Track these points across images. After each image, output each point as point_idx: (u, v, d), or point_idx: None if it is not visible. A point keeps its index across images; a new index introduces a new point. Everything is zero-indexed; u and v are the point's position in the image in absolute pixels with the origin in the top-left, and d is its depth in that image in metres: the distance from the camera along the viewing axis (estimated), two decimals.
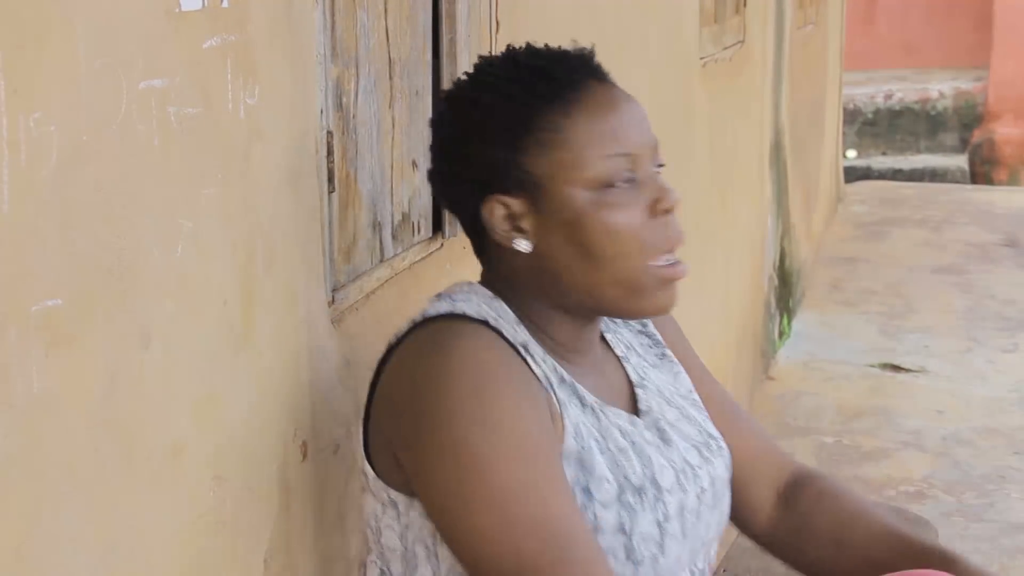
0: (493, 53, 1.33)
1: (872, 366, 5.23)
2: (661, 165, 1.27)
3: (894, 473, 4.14)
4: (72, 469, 1.00)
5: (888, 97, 10.54)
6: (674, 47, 3.39)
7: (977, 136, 10.19)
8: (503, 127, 1.23)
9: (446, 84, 1.88)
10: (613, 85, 1.28)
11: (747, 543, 2.35)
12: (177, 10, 1.12)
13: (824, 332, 5.67)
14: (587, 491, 1.21)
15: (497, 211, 1.25)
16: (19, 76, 0.91)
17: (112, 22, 1.02)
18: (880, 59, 11.05)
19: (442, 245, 1.89)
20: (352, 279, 1.59)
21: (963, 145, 10.32)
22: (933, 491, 4.00)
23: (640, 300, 1.25)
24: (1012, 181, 9.81)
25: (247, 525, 1.29)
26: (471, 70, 1.31)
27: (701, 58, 3.67)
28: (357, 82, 1.58)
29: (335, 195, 1.52)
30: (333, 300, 1.52)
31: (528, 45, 1.29)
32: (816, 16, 6.70)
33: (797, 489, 1.44)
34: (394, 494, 1.26)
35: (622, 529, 1.20)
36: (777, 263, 5.45)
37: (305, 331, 1.42)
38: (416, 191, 1.80)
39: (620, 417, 1.29)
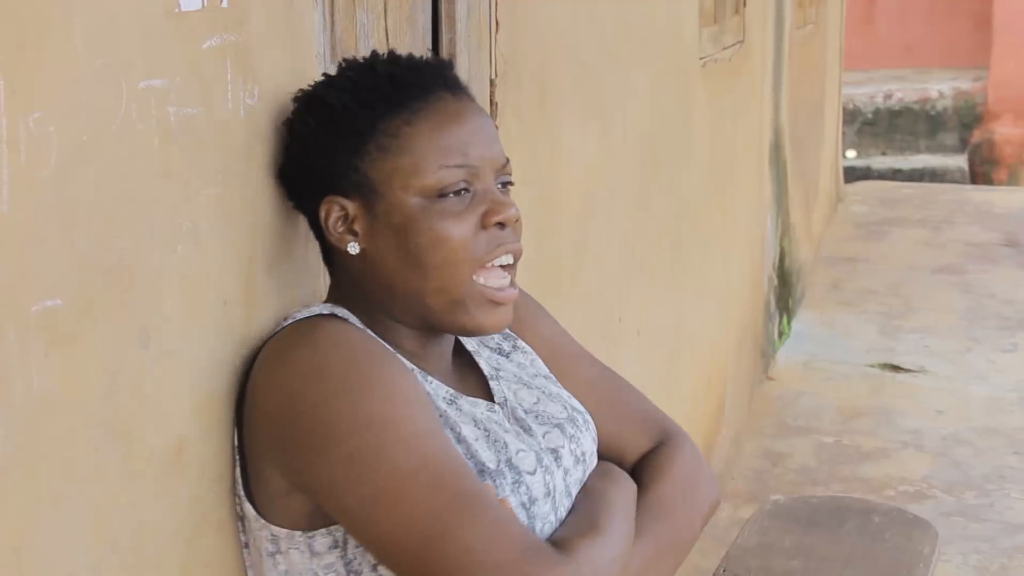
0: (357, 56, 1.32)
1: (872, 366, 5.23)
2: (508, 183, 1.28)
3: (894, 473, 4.14)
4: (72, 469, 1.00)
5: (888, 97, 10.54)
6: (674, 47, 3.39)
7: (977, 136, 10.19)
8: (347, 130, 1.23)
9: None
10: (465, 98, 1.28)
11: (747, 543, 2.35)
12: (177, 10, 1.12)
13: (824, 332, 5.67)
14: None
15: (333, 212, 1.25)
16: (19, 76, 0.91)
17: (112, 22, 1.02)
18: (880, 59, 11.05)
19: None
20: None
21: (963, 145, 10.32)
22: (933, 491, 4.00)
23: (462, 315, 1.25)
24: (1012, 181, 9.81)
25: None
26: (327, 74, 1.32)
27: (701, 58, 3.67)
28: None
29: None
30: None
31: (391, 52, 1.30)
32: (816, 16, 6.70)
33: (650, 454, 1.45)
34: (295, 536, 1.19)
35: None
36: (777, 263, 5.45)
37: None
38: None
39: (477, 406, 1.28)
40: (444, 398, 1.26)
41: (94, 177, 1.01)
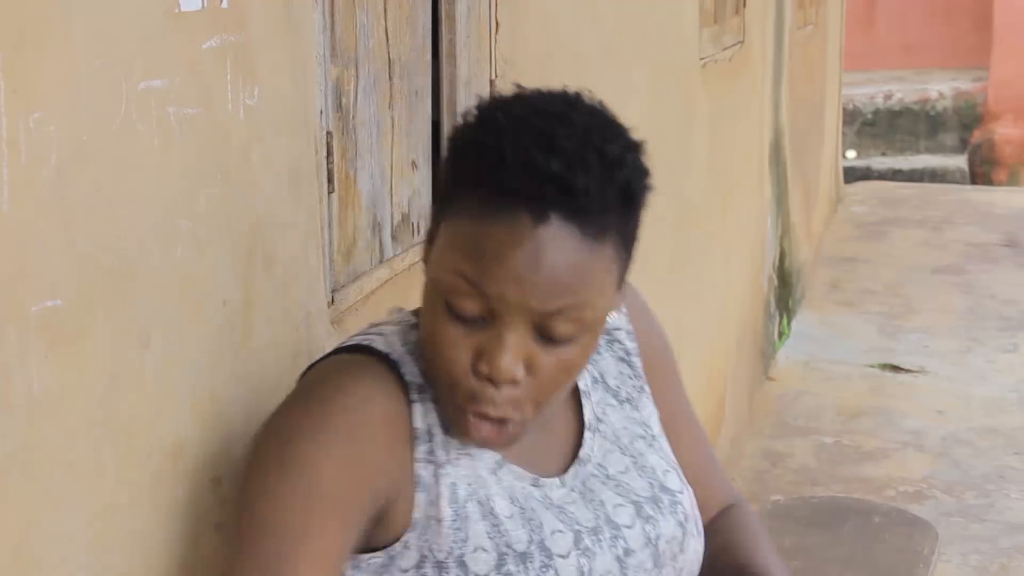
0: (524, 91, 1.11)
1: (872, 366, 5.23)
2: (552, 339, 1.06)
3: (894, 473, 4.14)
4: (71, 469, 1.00)
5: (888, 97, 10.54)
6: (674, 47, 3.39)
7: (977, 136, 10.19)
8: (450, 170, 1.10)
9: (445, 85, 1.88)
10: (550, 228, 1.02)
11: None
12: (177, 10, 1.12)
13: (824, 332, 5.67)
14: (462, 563, 1.09)
15: (431, 220, 1.14)
16: (19, 76, 0.91)
17: (112, 22, 1.02)
18: (880, 60, 11.05)
19: None
20: (352, 280, 1.59)
21: (963, 145, 10.32)
22: (933, 491, 4.01)
23: (454, 416, 1.11)
24: (1012, 181, 9.81)
25: None
26: (505, 96, 1.12)
27: (701, 58, 3.67)
28: (357, 82, 1.58)
29: (335, 195, 1.52)
30: (333, 301, 1.52)
31: (543, 116, 1.06)
32: (816, 17, 6.70)
33: (717, 521, 1.37)
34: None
35: None
36: (777, 263, 5.45)
37: (304, 332, 1.42)
38: (416, 191, 1.80)
39: (520, 478, 1.16)
40: (488, 465, 1.15)
41: (94, 177, 1.01)
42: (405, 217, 1.77)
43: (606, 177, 1.04)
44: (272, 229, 1.31)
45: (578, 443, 1.22)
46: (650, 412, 1.29)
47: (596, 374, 1.26)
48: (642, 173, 1.09)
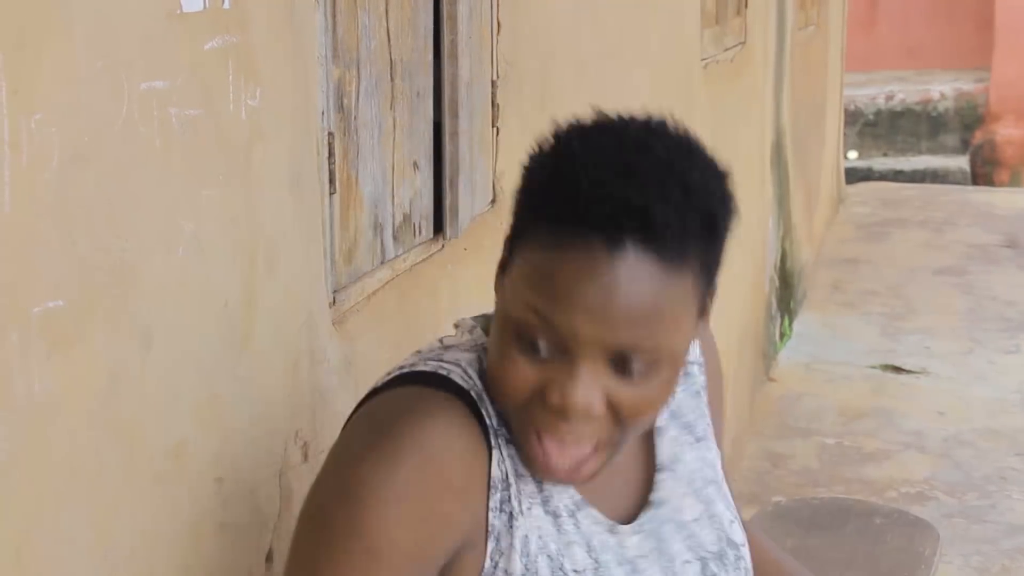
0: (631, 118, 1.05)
1: (873, 367, 5.23)
2: (629, 373, 1.01)
3: (895, 474, 4.14)
4: (74, 470, 1.00)
5: (889, 98, 10.54)
6: (675, 48, 3.39)
7: (978, 137, 10.19)
8: (525, 201, 1.04)
9: (447, 85, 1.88)
10: (627, 258, 0.97)
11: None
12: (178, 11, 1.12)
13: (825, 333, 5.67)
14: None
15: (504, 247, 1.07)
16: (20, 77, 0.91)
17: (113, 23, 1.02)
18: (881, 60, 11.05)
19: (443, 246, 1.88)
20: (353, 280, 1.59)
21: (964, 146, 10.32)
22: (934, 492, 4.00)
23: (527, 450, 1.05)
24: (1013, 182, 9.81)
25: (248, 527, 1.29)
26: (583, 123, 1.06)
27: (702, 59, 3.67)
28: (358, 83, 1.58)
29: (336, 196, 1.52)
30: (334, 301, 1.52)
31: (621, 144, 1.01)
32: (817, 17, 6.69)
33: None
34: None
35: None
36: (778, 264, 5.45)
37: (306, 332, 1.42)
38: (417, 192, 1.80)
39: (597, 524, 1.10)
40: (566, 507, 1.09)
41: (95, 178, 1.01)
42: (407, 218, 1.77)
43: (688, 206, 0.99)
44: (274, 230, 1.31)
45: (649, 484, 1.16)
46: (716, 453, 1.23)
47: (673, 408, 1.19)
48: (727, 201, 1.04)
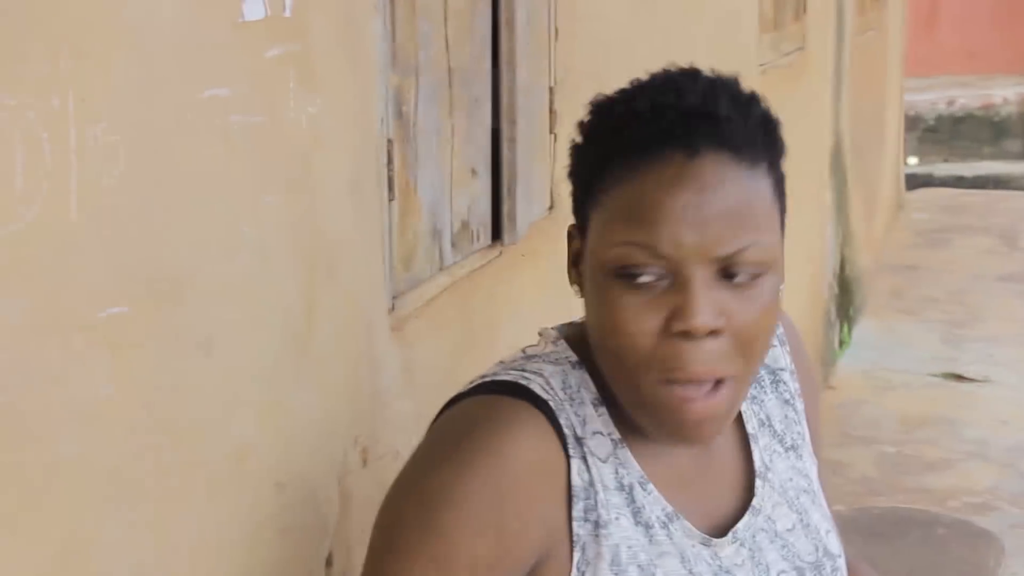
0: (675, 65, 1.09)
1: (934, 375, 5.16)
2: (736, 281, 1.00)
3: (958, 484, 4.08)
4: (135, 474, 1.01)
5: (950, 103, 10.41)
6: (733, 54, 3.37)
7: None
8: (589, 162, 1.06)
9: (505, 92, 1.88)
10: (705, 161, 1.00)
11: None
12: (240, 20, 1.13)
13: (885, 341, 5.61)
14: None
15: (571, 243, 1.08)
16: (86, 86, 0.92)
17: (176, 32, 1.03)
18: (942, 65, 10.91)
19: (501, 253, 1.89)
20: (412, 287, 1.60)
21: None
22: (998, 503, 3.94)
23: (650, 419, 1.03)
24: None
25: (308, 531, 1.29)
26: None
27: (760, 65, 3.64)
28: (417, 90, 1.59)
29: (395, 203, 1.53)
30: (393, 307, 1.52)
31: (677, 73, 1.07)
32: (877, 21, 6.63)
33: None
34: None
35: None
36: (837, 271, 5.40)
37: (366, 338, 1.42)
38: (475, 199, 1.81)
39: (690, 536, 1.08)
40: (658, 518, 1.07)
41: (159, 185, 1.02)
42: (464, 224, 1.77)
43: (744, 109, 1.03)
44: (334, 236, 1.32)
45: (748, 491, 1.14)
46: (810, 462, 1.20)
47: (763, 416, 1.18)
48: (773, 115, 1.07)
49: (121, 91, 0.96)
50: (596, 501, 1.05)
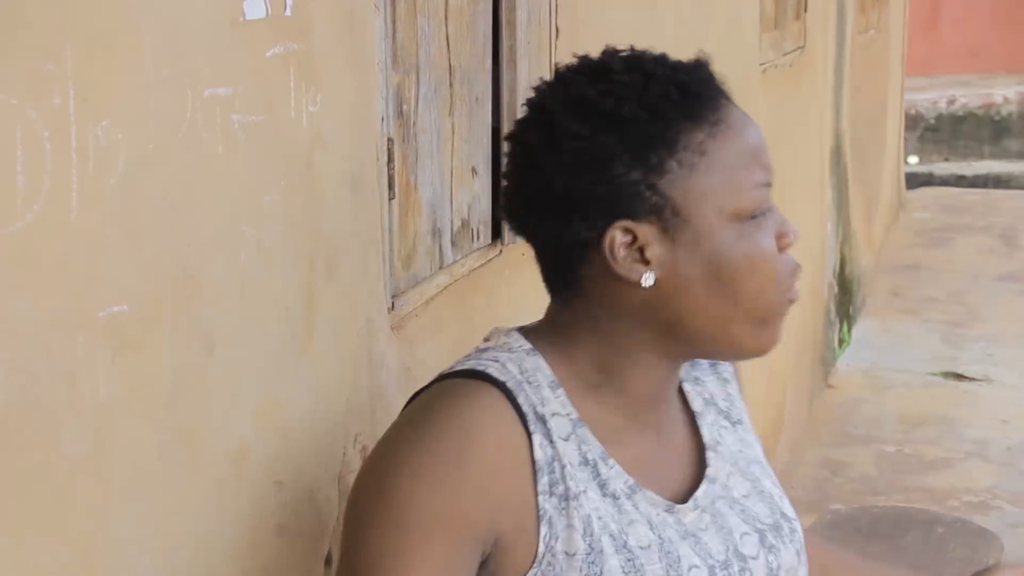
0: (579, 56, 1.13)
1: (934, 374, 5.17)
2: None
3: (958, 483, 4.08)
4: (138, 472, 1.01)
5: (951, 102, 10.41)
6: (734, 53, 3.37)
7: None
8: (641, 145, 1.07)
9: (506, 91, 1.88)
10: (738, 107, 1.14)
11: None
12: (241, 19, 1.13)
13: (885, 340, 5.61)
14: None
15: (618, 238, 1.07)
16: (88, 85, 0.92)
17: (178, 31, 1.04)
18: (943, 64, 10.92)
19: (501, 251, 1.89)
20: (412, 285, 1.60)
21: None
22: (998, 502, 3.94)
23: (760, 336, 1.12)
24: None
25: (307, 529, 1.30)
26: (579, 71, 1.11)
27: (761, 64, 3.64)
28: (418, 89, 1.59)
29: (395, 202, 1.53)
30: (393, 306, 1.52)
31: (633, 49, 1.13)
32: (878, 21, 6.63)
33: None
34: None
35: None
36: (837, 270, 5.40)
37: (365, 337, 1.42)
38: (475, 198, 1.81)
39: (655, 505, 1.12)
40: (622, 490, 1.11)
41: (160, 184, 1.02)
42: (465, 223, 1.77)
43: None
44: (334, 235, 1.32)
45: (700, 464, 1.19)
46: (754, 437, 1.26)
47: (707, 396, 1.24)
48: None
49: (122, 90, 0.97)
50: (562, 475, 1.08)
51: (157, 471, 1.03)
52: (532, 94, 1.12)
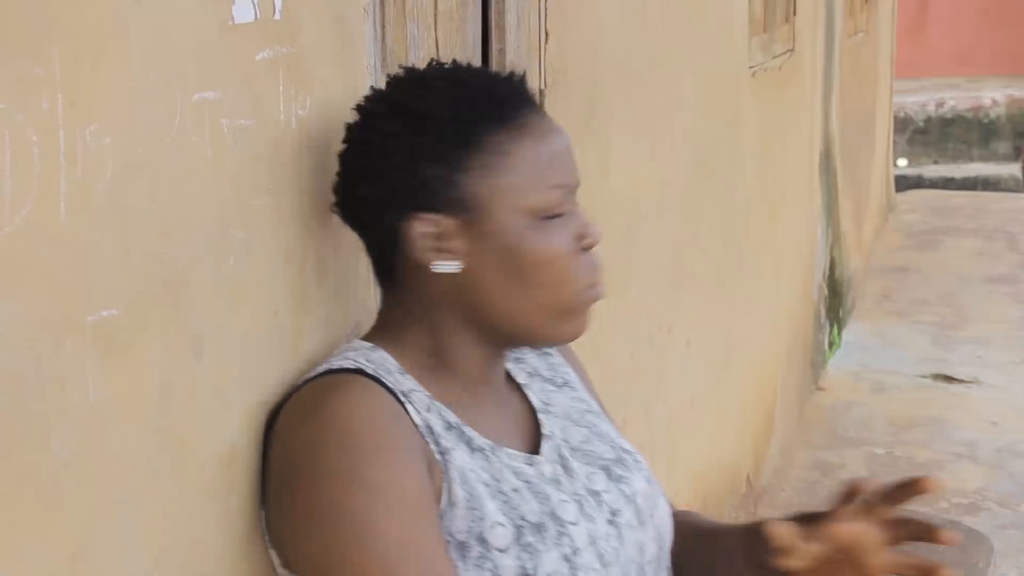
0: (406, 67, 1.28)
1: (924, 377, 5.18)
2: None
3: (947, 485, 4.09)
4: (127, 477, 1.01)
5: (940, 105, 10.44)
6: (723, 56, 3.38)
7: None
8: (446, 143, 1.18)
9: None
10: (545, 115, 1.25)
11: None
12: (230, 23, 1.13)
13: (875, 342, 5.62)
14: (482, 540, 1.14)
15: (420, 228, 1.19)
16: (76, 89, 0.92)
17: (166, 35, 1.03)
18: (931, 67, 10.95)
19: None
20: None
21: (1016, 153, 10.20)
22: (987, 503, 3.95)
23: (561, 326, 1.23)
24: None
25: None
26: (400, 79, 1.26)
27: (750, 67, 3.65)
28: None
29: None
30: None
31: (455, 61, 1.26)
32: (867, 24, 6.65)
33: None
34: None
35: (524, 573, 1.14)
36: (827, 273, 5.41)
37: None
38: None
39: (515, 459, 1.23)
40: (486, 445, 1.22)
41: (149, 188, 1.02)
42: None
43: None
44: (323, 239, 1.32)
45: (535, 427, 1.30)
46: (588, 396, 1.39)
47: (530, 369, 1.36)
48: None
49: (111, 94, 0.96)
50: (434, 438, 1.18)
51: (146, 475, 1.03)
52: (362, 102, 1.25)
